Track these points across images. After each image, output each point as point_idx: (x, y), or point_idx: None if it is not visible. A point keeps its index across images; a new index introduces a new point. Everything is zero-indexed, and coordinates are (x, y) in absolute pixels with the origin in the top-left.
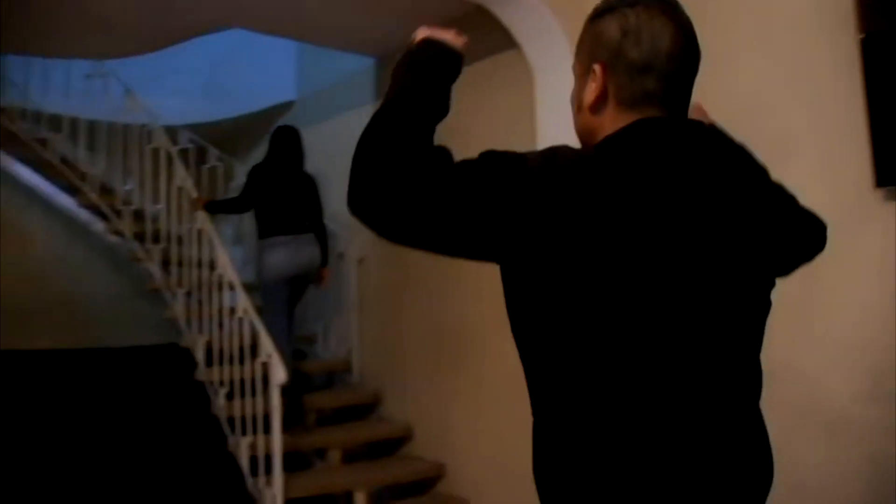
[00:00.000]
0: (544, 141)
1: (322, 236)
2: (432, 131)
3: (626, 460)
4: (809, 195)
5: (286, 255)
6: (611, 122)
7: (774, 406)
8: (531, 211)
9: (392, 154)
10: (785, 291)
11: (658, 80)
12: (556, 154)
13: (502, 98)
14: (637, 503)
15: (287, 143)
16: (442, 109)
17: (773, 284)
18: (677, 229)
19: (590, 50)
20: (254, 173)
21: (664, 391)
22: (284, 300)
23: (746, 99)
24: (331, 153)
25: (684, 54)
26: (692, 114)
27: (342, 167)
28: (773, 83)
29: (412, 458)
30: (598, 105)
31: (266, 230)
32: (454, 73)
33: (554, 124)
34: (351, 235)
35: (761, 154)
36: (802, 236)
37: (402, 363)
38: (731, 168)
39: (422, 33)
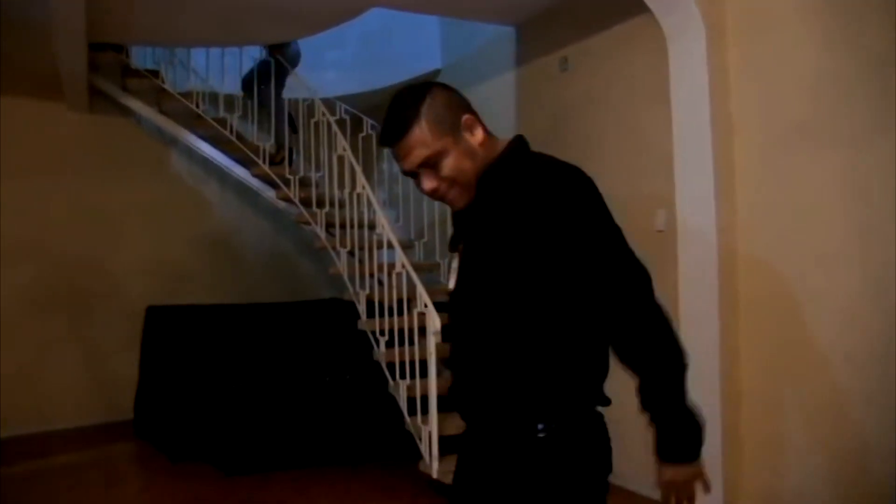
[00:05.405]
0: (678, 105)
1: None
2: None
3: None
4: None
5: None
6: (491, 147)
7: None
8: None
9: None
10: None
11: None
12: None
13: (637, 64)
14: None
15: None
16: None
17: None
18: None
19: (450, 117)
20: None
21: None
22: None
23: None
24: None
25: None
26: None
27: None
28: None
29: None
30: (484, 140)
31: None
32: None
33: (686, 88)
34: None
35: None
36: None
37: None
38: None
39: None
